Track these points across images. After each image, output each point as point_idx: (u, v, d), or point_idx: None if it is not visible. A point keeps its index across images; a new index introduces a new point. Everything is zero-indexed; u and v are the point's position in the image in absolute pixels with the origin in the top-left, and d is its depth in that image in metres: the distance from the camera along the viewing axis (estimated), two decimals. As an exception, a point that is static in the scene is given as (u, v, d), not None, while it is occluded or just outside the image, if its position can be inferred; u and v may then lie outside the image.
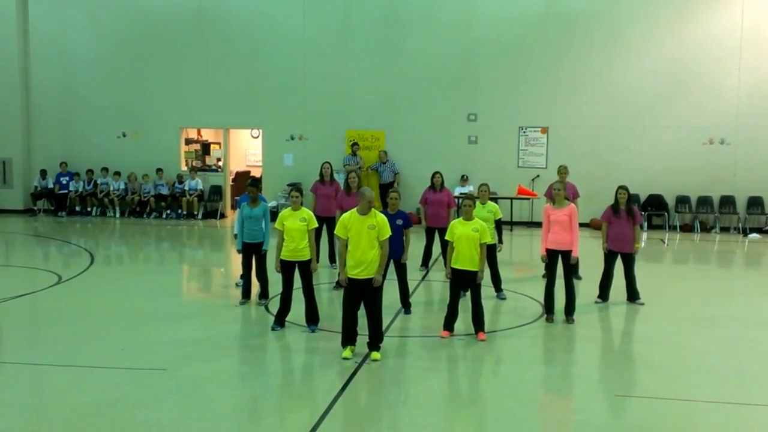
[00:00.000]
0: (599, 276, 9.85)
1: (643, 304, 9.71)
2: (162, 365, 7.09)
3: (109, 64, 18.91)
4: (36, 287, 10.58)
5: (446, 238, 8.16)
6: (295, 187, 8.74)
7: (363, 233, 7.18)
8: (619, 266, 9.73)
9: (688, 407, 6.33)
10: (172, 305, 9.85)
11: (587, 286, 10.22)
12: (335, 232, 7.55)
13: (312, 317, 8.36)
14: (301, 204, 8.37)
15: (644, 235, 16.76)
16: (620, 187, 9.58)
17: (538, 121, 17.62)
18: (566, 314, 8.85)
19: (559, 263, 8.84)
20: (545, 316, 8.94)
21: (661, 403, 6.37)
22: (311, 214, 8.32)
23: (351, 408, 6.35)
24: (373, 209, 7.31)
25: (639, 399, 6.49)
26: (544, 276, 11.09)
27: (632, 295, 9.78)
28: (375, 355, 7.34)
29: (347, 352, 7.36)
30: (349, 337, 7.39)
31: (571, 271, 8.86)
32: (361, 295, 7.34)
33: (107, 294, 10.38)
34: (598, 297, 9.82)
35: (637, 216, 9.60)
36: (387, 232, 7.28)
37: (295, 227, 8.11)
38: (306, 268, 8.22)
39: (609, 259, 9.70)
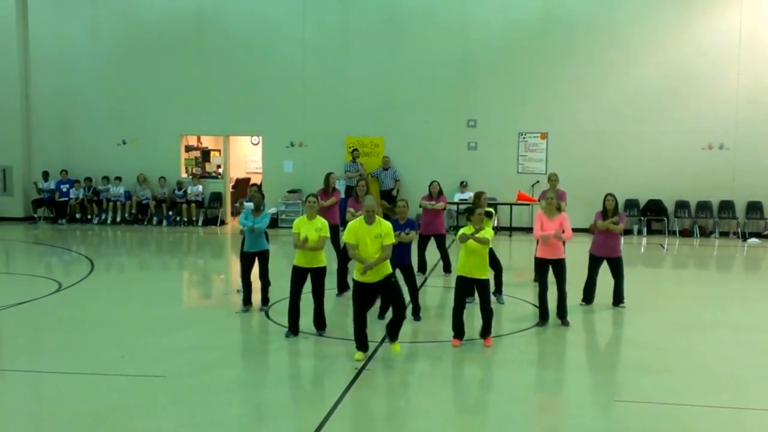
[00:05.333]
0: (584, 281, 9.88)
1: (623, 307, 9.78)
2: (162, 372, 7.09)
3: (109, 71, 18.99)
4: (36, 295, 10.58)
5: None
6: (312, 194, 8.74)
7: (370, 243, 7.28)
8: (605, 273, 9.76)
9: (687, 412, 6.34)
10: (173, 312, 9.85)
11: (572, 290, 10.19)
12: (344, 239, 7.56)
13: (320, 322, 8.39)
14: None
15: (644, 240, 16.80)
16: (608, 195, 9.70)
17: (538, 127, 17.67)
18: (560, 317, 8.90)
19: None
20: (537, 321, 8.97)
21: (660, 408, 6.37)
22: (325, 223, 8.32)
23: (352, 414, 6.35)
24: (377, 217, 7.39)
25: (638, 404, 6.49)
26: (535, 280, 11.15)
27: (618, 300, 9.84)
28: (396, 347, 7.43)
29: (359, 355, 7.43)
30: (362, 344, 7.46)
31: (563, 278, 8.87)
32: (369, 299, 7.48)
33: (107, 301, 10.39)
34: (582, 300, 9.87)
35: (622, 219, 9.66)
36: (391, 240, 7.38)
37: (310, 238, 8.13)
38: (320, 274, 8.26)
39: (593, 264, 9.75)
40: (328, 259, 8.51)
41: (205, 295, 11.76)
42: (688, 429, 6.06)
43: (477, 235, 7.78)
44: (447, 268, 11.74)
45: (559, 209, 9.07)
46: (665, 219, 17.32)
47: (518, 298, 10.40)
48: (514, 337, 8.54)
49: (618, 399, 6.67)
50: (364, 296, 7.44)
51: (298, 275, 8.26)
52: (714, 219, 17.18)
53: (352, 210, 10.14)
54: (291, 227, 8.43)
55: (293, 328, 8.32)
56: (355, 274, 7.45)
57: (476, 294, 8.35)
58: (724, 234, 17.14)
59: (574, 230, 9.04)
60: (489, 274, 8.24)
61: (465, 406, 6.77)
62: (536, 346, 8.42)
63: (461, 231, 8.07)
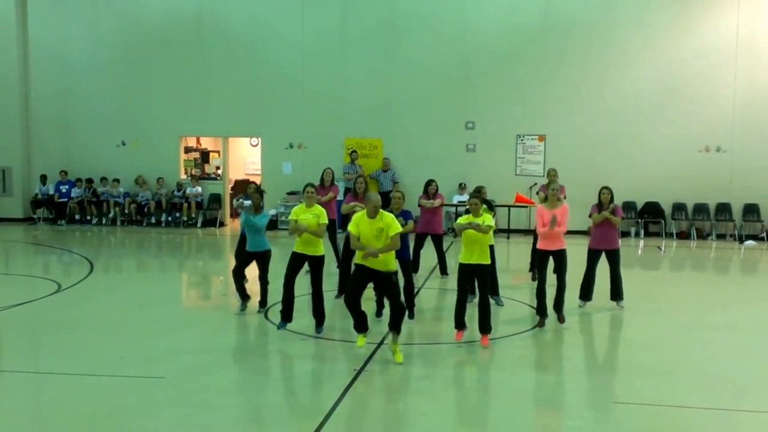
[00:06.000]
0: (581, 280, 9.87)
1: (622, 307, 9.82)
2: (161, 373, 7.12)
3: (109, 72, 19.02)
4: (35, 296, 10.61)
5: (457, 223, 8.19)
6: (310, 183, 8.79)
7: (374, 237, 7.33)
8: (603, 268, 9.80)
9: (685, 414, 6.38)
10: (172, 314, 9.89)
11: (570, 290, 10.24)
12: (348, 228, 7.64)
13: (318, 315, 8.40)
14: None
15: (641, 243, 16.85)
16: (603, 188, 9.75)
17: (536, 129, 17.72)
18: (556, 311, 8.90)
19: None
20: (538, 320, 9.00)
21: (658, 410, 6.41)
22: (323, 210, 8.37)
23: (350, 416, 6.38)
24: (380, 211, 7.43)
25: (636, 406, 6.52)
26: (533, 279, 11.15)
27: (616, 294, 9.87)
28: (398, 357, 7.45)
29: (360, 341, 7.52)
30: (360, 324, 7.53)
31: (564, 270, 8.87)
32: (366, 282, 7.54)
33: (106, 302, 10.42)
34: (581, 299, 9.87)
35: (618, 212, 9.71)
36: (396, 229, 7.41)
37: (307, 223, 8.20)
38: (318, 263, 8.30)
39: (592, 258, 9.78)
40: (327, 260, 8.54)
41: (204, 297, 11.79)
42: (685, 431, 6.10)
43: (480, 225, 7.82)
44: (444, 270, 11.76)
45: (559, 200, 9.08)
46: (662, 221, 17.38)
47: (516, 300, 10.44)
48: (512, 339, 8.57)
49: (616, 401, 6.69)
50: (362, 279, 7.47)
51: (295, 261, 8.33)
52: (711, 221, 17.24)
53: (352, 203, 10.00)
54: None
55: (286, 317, 8.36)
56: (356, 258, 7.49)
57: (476, 286, 8.38)
58: (720, 236, 17.21)
59: (572, 232, 9.06)
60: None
61: (463, 408, 6.80)
62: (534, 348, 8.46)
63: (458, 220, 8.12)
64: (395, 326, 7.49)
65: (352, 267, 7.94)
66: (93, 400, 6.47)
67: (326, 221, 8.37)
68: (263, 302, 9.54)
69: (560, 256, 8.84)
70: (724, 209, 17.16)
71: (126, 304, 10.30)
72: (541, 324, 8.91)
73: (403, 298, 8.40)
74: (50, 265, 14.03)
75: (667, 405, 6.52)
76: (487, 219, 8.07)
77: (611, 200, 9.68)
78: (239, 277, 9.50)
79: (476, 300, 8.73)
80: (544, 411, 6.70)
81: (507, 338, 8.60)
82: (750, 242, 16.67)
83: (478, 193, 9.36)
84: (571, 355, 8.26)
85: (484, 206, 8.45)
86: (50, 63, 19.21)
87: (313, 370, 7.57)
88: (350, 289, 7.55)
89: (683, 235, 17.29)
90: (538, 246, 9.03)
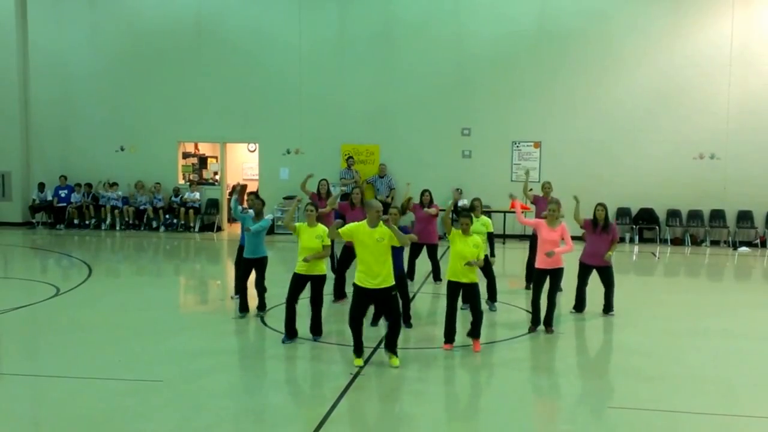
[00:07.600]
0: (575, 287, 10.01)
1: (612, 315, 9.89)
2: (159, 376, 7.19)
3: (108, 78, 19.11)
4: (34, 299, 10.67)
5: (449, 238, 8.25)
6: (310, 202, 8.85)
7: (374, 247, 7.31)
8: (596, 281, 9.88)
9: (679, 418, 6.44)
10: (170, 317, 9.97)
11: (564, 298, 10.35)
12: (339, 230, 7.60)
13: (316, 329, 8.48)
14: (316, 219, 8.50)
15: (636, 249, 16.95)
16: (599, 204, 9.80)
17: (531, 136, 17.85)
18: (546, 324, 9.02)
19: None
20: (529, 326, 9.10)
21: (653, 415, 6.49)
22: (326, 230, 8.33)
23: (347, 418, 6.46)
24: (381, 222, 7.44)
25: (631, 410, 6.60)
26: (527, 288, 11.25)
27: (607, 307, 9.94)
28: (394, 361, 7.52)
29: (359, 361, 7.57)
30: (359, 348, 7.60)
31: (557, 287, 9.05)
32: (368, 304, 7.61)
33: (105, 306, 10.48)
34: (573, 307, 10.01)
35: (614, 232, 9.75)
36: (394, 239, 7.38)
37: (311, 245, 8.24)
38: (319, 282, 8.35)
39: (583, 273, 9.86)
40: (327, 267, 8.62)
41: (202, 301, 11.85)
42: (678, 435, 6.18)
43: (471, 261, 7.98)
44: (437, 276, 11.89)
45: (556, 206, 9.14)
46: (657, 227, 17.49)
47: (511, 304, 10.53)
48: (508, 343, 8.66)
49: (611, 405, 6.79)
50: (362, 301, 7.50)
51: (297, 283, 8.36)
52: (705, 228, 17.36)
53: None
54: (287, 233, 8.55)
55: (290, 334, 8.42)
56: (356, 277, 7.49)
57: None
58: (714, 243, 17.31)
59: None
60: (481, 281, 8.38)
61: (458, 411, 6.88)
62: (529, 353, 8.54)
63: (453, 233, 8.16)
64: (391, 347, 7.56)
65: (347, 276, 7.98)
66: (91, 403, 6.54)
67: (329, 243, 8.41)
68: (261, 306, 9.64)
69: (556, 275, 8.99)
70: (718, 216, 17.29)
71: (124, 307, 10.36)
72: (532, 330, 9.04)
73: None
74: (49, 269, 14.09)
75: (662, 410, 6.59)
76: (476, 239, 8.14)
77: (606, 217, 9.74)
78: (243, 289, 9.60)
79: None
80: (538, 415, 6.78)
81: (502, 342, 8.69)
82: (744, 249, 16.78)
83: (469, 211, 9.42)
84: (565, 359, 8.34)
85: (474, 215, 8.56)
86: (49, 69, 19.29)
87: (310, 373, 7.66)
88: (353, 311, 7.54)
89: (677, 242, 17.40)
90: (537, 265, 9.12)
